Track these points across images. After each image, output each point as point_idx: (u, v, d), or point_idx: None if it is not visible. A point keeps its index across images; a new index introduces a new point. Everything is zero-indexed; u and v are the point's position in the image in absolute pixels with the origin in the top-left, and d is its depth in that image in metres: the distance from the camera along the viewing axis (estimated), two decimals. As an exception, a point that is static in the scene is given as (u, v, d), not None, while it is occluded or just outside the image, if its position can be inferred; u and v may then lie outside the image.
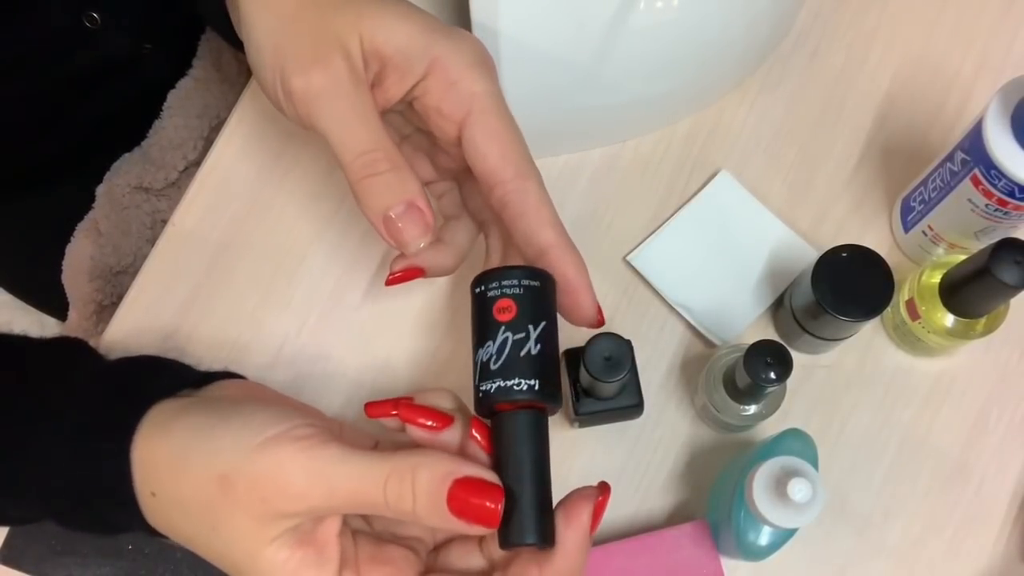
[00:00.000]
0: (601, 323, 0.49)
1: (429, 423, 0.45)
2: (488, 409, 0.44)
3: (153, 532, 0.47)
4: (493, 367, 0.44)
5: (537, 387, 0.44)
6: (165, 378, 0.50)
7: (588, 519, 0.43)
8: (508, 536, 0.43)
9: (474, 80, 0.48)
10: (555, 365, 0.45)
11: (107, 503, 0.46)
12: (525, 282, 0.45)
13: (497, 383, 0.44)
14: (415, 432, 0.45)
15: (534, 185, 0.48)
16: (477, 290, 0.46)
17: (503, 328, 0.44)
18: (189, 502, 0.44)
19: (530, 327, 0.44)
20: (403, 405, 0.45)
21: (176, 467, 0.44)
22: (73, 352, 0.53)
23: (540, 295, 0.45)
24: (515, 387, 0.43)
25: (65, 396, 0.48)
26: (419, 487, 0.41)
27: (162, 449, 0.45)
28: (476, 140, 0.48)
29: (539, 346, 0.44)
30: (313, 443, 0.42)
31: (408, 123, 0.54)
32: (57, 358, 0.52)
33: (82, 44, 0.70)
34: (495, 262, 0.52)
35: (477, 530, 0.42)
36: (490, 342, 0.44)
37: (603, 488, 0.44)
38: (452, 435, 0.45)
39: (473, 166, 0.48)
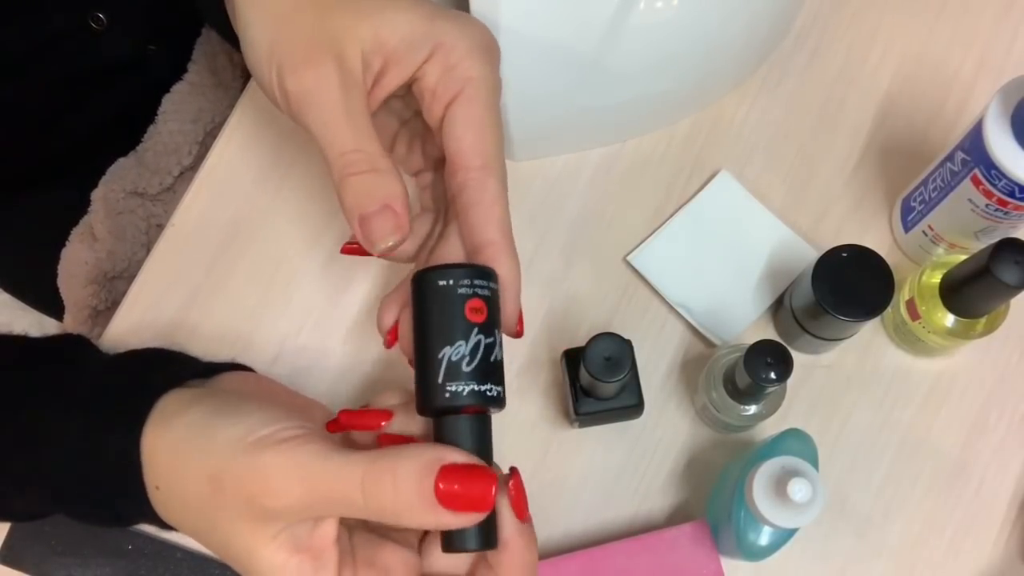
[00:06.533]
0: (520, 334, 0.49)
1: (371, 423, 0.46)
2: (450, 409, 0.43)
3: (163, 523, 0.47)
4: (466, 368, 0.43)
5: (502, 394, 0.44)
6: (172, 368, 0.50)
7: (509, 507, 0.43)
8: (451, 542, 0.43)
9: (472, 66, 0.48)
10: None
11: (117, 493, 0.47)
12: (493, 285, 0.45)
13: (471, 386, 0.43)
14: (360, 437, 0.47)
15: (495, 181, 0.48)
16: (442, 283, 0.44)
17: (476, 329, 0.43)
18: (188, 498, 0.44)
19: (496, 332, 0.44)
20: (341, 415, 0.46)
21: (175, 464, 0.45)
22: (77, 346, 0.53)
23: (499, 300, 0.45)
24: (487, 392, 0.43)
25: (75, 388, 0.49)
26: (401, 479, 0.40)
27: (163, 443, 0.45)
28: (455, 122, 0.48)
29: (501, 352, 0.44)
30: (295, 443, 0.42)
31: (408, 107, 0.54)
32: (63, 352, 0.52)
33: (86, 46, 0.70)
34: (442, 249, 0.50)
35: (464, 520, 0.41)
36: (462, 342, 0.43)
37: (512, 471, 0.44)
38: (407, 428, 0.46)
39: (446, 147, 0.48)
